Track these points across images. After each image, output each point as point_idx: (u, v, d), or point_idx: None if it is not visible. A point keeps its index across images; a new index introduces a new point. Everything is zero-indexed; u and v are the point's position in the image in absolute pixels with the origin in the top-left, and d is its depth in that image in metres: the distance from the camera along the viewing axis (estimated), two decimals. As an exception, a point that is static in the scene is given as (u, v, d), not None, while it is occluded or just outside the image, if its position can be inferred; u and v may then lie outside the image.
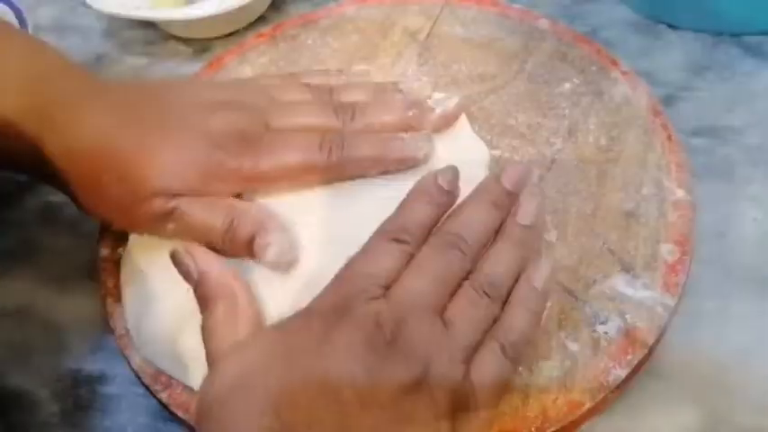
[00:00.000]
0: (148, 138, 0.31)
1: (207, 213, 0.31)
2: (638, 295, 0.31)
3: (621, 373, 0.29)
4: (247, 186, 0.32)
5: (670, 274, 0.32)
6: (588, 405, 0.28)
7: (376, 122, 0.34)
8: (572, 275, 0.32)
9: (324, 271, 0.28)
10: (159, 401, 0.31)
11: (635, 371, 0.29)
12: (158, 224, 0.31)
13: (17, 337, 0.37)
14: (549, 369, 0.29)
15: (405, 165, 0.34)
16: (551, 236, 0.34)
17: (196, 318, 0.31)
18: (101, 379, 0.35)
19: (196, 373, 0.30)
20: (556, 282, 0.32)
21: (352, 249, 0.29)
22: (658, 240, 0.33)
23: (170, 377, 0.31)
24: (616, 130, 0.37)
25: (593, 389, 0.29)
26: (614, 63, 0.40)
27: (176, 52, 0.50)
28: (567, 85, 0.40)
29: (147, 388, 0.31)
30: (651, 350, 0.30)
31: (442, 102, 0.36)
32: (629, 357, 0.29)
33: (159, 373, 0.31)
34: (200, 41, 0.50)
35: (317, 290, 0.28)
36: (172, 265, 0.29)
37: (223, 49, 0.47)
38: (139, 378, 0.32)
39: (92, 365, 0.35)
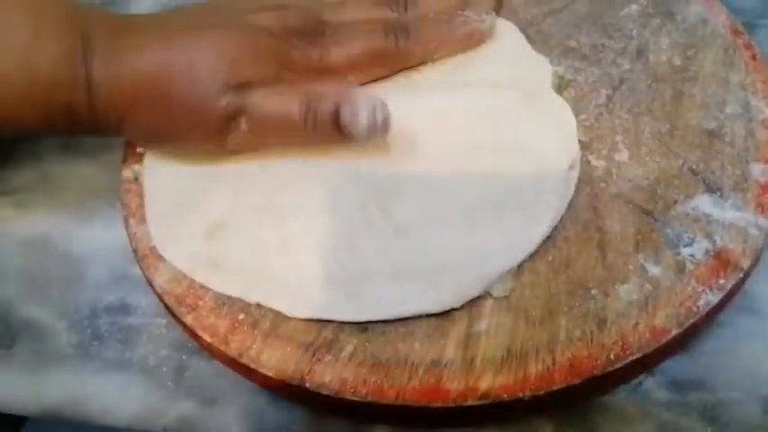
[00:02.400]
0: (207, 36, 0.29)
1: (281, 99, 0.28)
2: (728, 216, 0.27)
3: (713, 297, 0.25)
4: (317, 77, 0.30)
5: (764, 194, 0.28)
6: (675, 332, 0.25)
7: (428, 9, 0.32)
8: (648, 196, 0.28)
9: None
10: (184, 326, 0.28)
11: (728, 296, 0.26)
12: (231, 125, 0.28)
13: (34, 267, 0.34)
14: (628, 292, 0.26)
15: (471, 41, 0.33)
16: (623, 155, 0.30)
17: (227, 225, 0.29)
18: (121, 310, 0.32)
19: (224, 279, 0.28)
20: (630, 202, 0.28)
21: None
22: (747, 160, 0.29)
23: (196, 298, 0.28)
24: (692, 50, 0.34)
25: (680, 315, 0.25)
26: (685, -16, 0.37)
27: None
28: (634, 7, 0.36)
29: (172, 313, 0.28)
30: (746, 275, 0.26)
31: None
32: (720, 281, 0.26)
33: (184, 294, 0.28)
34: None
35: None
36: (197, 175, 0.28)
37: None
38: (163, 301, 0.29)
39: (112, 296, 0.32)
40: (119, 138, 0.32)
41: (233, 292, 0.27)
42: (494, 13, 0.33)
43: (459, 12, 0.32)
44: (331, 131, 0.28)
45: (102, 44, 0.28)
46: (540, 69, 0.33)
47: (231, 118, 0.28)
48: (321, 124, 0.28)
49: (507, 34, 0.35)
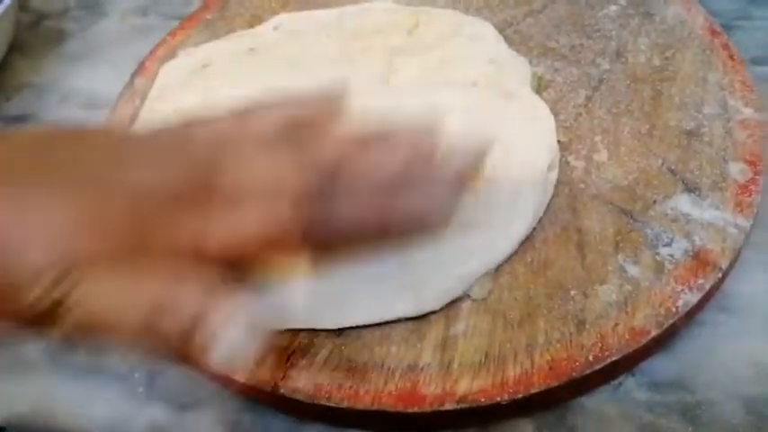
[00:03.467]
0: (28, 203, 0.21)
1: (117, 298, 0.20)
2: (706, 216, 0.27)
3: (692, 297, 0.25)
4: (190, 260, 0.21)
5: (742, 194, 0.28)
6: (654, 333, 0.24)
7: (368, 181, 0.22)
8: (627, 196, 0.28)
9: None
10: (156, 331, 0.27)
11: (707, 296, 0.25)
12: (47, 320, 0.20)
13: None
14: (607, 293, 0.25)
15: (409, 233, 0.22)
16: (602, 156, 0.30)
17: None
18: (92, 315, 0.31)
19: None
20: (609, 202, 0.28)
21: None
22: (726, 159, 0.29)
23: (169, 303, 0.27)
24: (671, 50, 0.34)
25: (660, 315, 0.25)
26: (664, -15, 0.37)
27: (185, -9, 0.47)
28: (613, 8, 0.36)
29: (143, 317, 0.28)
30: (725, 275, 0.26)
31: (461, 150, 0.23)
32: (699, 281, 0.25)
33: (157, 299, 0.27)
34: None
35: None
36: None
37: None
38: (134, 306, 0.28)
39: (83, 301, 0.31)
40: None
41: None
42: (454, 200, 0.22)
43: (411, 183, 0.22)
44: (176, 352, 0.21)
45: None
46: (520, 70, 0.33)
47: (47, 312, 0.20)
48: (164, 344, 0.21)
49: (486, 35, 0.35)
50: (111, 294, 0.20)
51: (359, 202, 0.22)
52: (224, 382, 0.26)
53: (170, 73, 0.36)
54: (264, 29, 0.38)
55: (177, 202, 0.21)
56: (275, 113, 0.24)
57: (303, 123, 0.24)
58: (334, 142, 0.23)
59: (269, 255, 0.22)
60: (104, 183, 0.21)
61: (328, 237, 0.22)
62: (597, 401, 0.26)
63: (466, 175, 0.23)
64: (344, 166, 0.22)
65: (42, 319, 0.20)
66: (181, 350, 0.21)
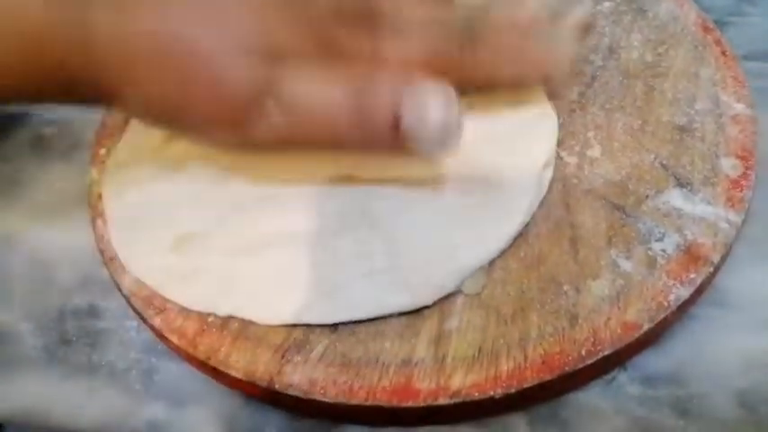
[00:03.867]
0: (217, 3, 0.22)
1: (322, 81, 0.22)
2: (698, 210, 0.27)
3: (684, 292, 0.25)
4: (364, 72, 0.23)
5: (734, 189, 0.28)
6: (646, 327, 0.24)
7: (507, 21, 0.26)
8: (620, 191, 0.28)
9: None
10: (152, 329, 0.27)
11: (698, 291, 0.26)
12: (257, 109, 0.22)
13: (1, 270, 0.33)
14: (599, 288, 0.26)
15: (543, 71, 0.26)
16: (595, 151, 0.30)
17: (192, 236, 0.28)
18: (90, 313, 0.31)
19: (193, 293, 0.27)
20: (602, 198, 0.28)
21: None
22: (717, 155, 0.29)
23: (164, 300, 0.27)
24: (663, 46, 0.34)
25: (652, 310, 0.25)
26: (657, -18, 0.37)
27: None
28: (606, 4, 0.36)
29: (140, 315, 0.28)
30: (716, 269, 0.26)
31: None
32: (691, 275, 0.26)
33: (151, 297, 0.28)
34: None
35: None
36: (159, 179, 0.25)
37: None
38: (131, 304, 0.28)
39: (80, 299, 0.31)
40: (122, 112, 0.27)
41: (201, 306, 0.27)
42: (575, 48, 0.27)
43: (546, 29, 0.26)
44: (385, 136, 0.21)
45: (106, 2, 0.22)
46: None
47: (257, 95, 0.22)
48: (373, 125, 0.21)
49: None
50: (314, 76, 0.22)
51: (507, 35, 0.25)
52: (220, 378, 0.26)
53: None
54: None
55: (354, 19, 0.23)
56: None
57: None
58: None
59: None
60: None
61: (479, 61, 0.25)
62: (590, 396, 0.26)
63: (583, 24, 0.27)
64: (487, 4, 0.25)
65: (253, 105, 0.22)
66: (389, 137, 0.21)
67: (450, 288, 0.26)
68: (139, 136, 0.32)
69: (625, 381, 0.26)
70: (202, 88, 0.22)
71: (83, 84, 0.23)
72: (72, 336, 0.30)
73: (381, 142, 0.22)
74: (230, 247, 0.27)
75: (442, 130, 0.21)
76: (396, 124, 0.21)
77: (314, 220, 0.27)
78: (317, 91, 0.22)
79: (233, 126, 0.23)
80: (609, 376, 0.26)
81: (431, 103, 0.21)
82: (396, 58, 0.23)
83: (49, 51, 0.22)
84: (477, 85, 0.26)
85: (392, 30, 0.24)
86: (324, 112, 0.22)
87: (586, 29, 0.28)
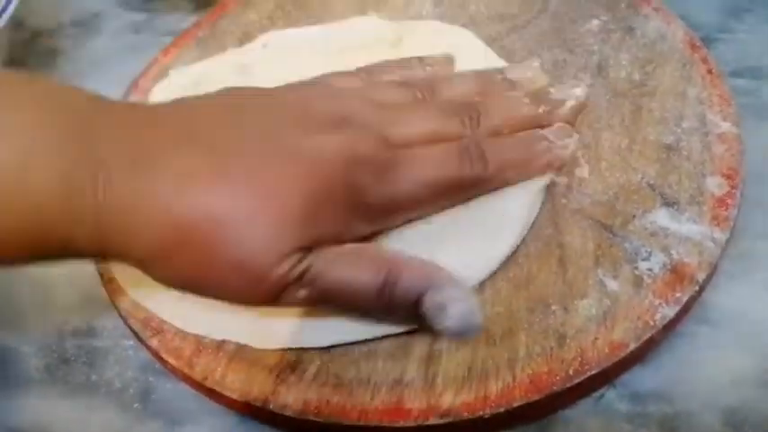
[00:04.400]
0: (272, 173, 0.22)
1: (351, 269, 0.23)
2: (684, 230, 0.28)
3: (669, 311, 0.26)
4: (383, 222, 0.26)
5: (719, 207, 0.28)
6: (633, 347, 0.25)
7: (503, 124, 0.29)
8: (608, 211, 0.29)
9: None
10: (149, 349, 0.28)
11: (684, 310, 0.26)
12: (287, 295, 0.23)
13: (0, 290, 0.34)
14: (587, 308, 0.26)
15: (551, 168, 0.29)
16: (583, 171, 0.30)
17: None
18: (88, 332, 0.32)
19: (190, 316, 0.27)
20: (590, 217, 0.29)
21: None
22: (704, 174, 0.30)
23: (161, 322, 0.28)
24: (651, 65, 0.34)
25: (638, 329, 0.25)
26: (645, 0, 0.38)
27: (177, 7, 0.48)
28: (595, 23, 0.37)
29: (137, 336, 0.28)
30: (702, 288, 0.27)
31: (564, 91, 0.30)
32: (677, 294, 0.26)
33: (149, 318, 0.28)
34: (203, -5, 0.48)
35: None
36: None
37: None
38: (128, 325, 0.29)
39: (79, 318, 0.32)
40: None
41: (197, 330, 0.27)
42: (576, 136, 0.29)
43: (540, 132, 0.29)
44: (408, 316, 0.23)
45: (120, 166, 0.21)
46: None
47: (289, 287, 0.23)
48: (398, 304, 0.23)
49: (472, 46, 0.36)
50: (346, 264, 0.23)
51: (511, 145, 0.28)
52: (216, 398, 0.27)
53: (162, 94, 0.36)
54: (254, 46, 0.39)
55: (375, 169, 0.24)
56: (395, 70, 0.32)
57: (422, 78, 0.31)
58: (463, 87, 0.30)
59: (444, 203, 0.27)
60: (318, 156, 0.23)
61: (490, 176, 0.27)
62: (579, 414, 0.26)
63: (577, 110, 0.30)
64: (482, 110, 0.28)
65: (283, 290, 0.23)
66: (412, 317, 0.23)
67: (440, 309, 0.26)
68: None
69: (613, 398, 0.27)
70: (231, 281, 0.22)
71: (90, 254, 0.23)
72: (71, 355, 0.31)
73: (401, 319, 0.24)
74: None
75: (459, 325, 0.22)
76: (416, 307, 0.22)
77: None
78: (347, 278, 0.23)
79: (259, 304, 0.24)
80: (597, 394, 0.27)
81: (447, 300, 0.22)
82: (410, 197, 0.26)
83: (51, 231, 0.21)
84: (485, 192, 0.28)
85: (405, 170, 0.25)
86: (352, 295, 0.23)
87: (581, 110, 0.30)
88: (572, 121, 0.30)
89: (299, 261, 0.22)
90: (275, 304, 0.23)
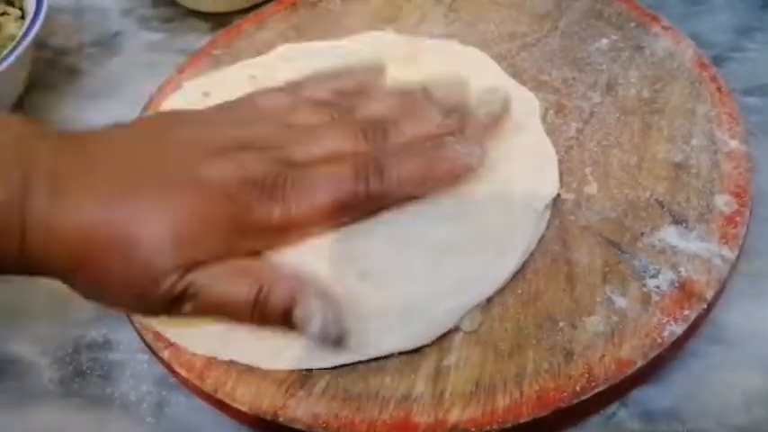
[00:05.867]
0: (145, 204, 0.25)
1: (227, 286, 0.25)
2: (692, 247, 0.28)
3: (677, 329, 0.26)
4: (277, 239, 0.28)
5: (728, 225, 0.28)
6: (640, 364, 0.25)
7: (411, 138, 0.29)
8: (616, 228, 0.29)
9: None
10: (161, 361, 0.28)
11: (692, 327, 0.26)
12: (176, 308, 0.26)
13: (18, 302, 0.34)
14: (594, 325, 0.26)
15: (456, 178, 0.29)
16: (592, 188, 0.31)
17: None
18: (104, 345, 0.32)
19: (197, 335, 0.28)
20: (599, 234, 0.29)
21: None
22: (713, 192, 0.30)
23: (174, 335, 0.28)
24: (660, 83, 0.35)
25: (645, 346, 0.25)
26: (655, 19, 0.38)
27: (194, 28, 0.49)
28: (605, 41, 0.37)
29: (150, 348, 0.29)
30: (710, 306, 0.27)
31: (486, 100, 0.31)
32: (685, 312, 0.26)
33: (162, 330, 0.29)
34: (219, 16, 0.49)
35: None
36: None
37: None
38: (141, 337, 0.29)
39: (95, 332, 0.33)
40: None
41: (205, 351, 0.28)
42: (484, 145, 0.29)
43: (445, 139, 0.29)
44: (280, 324, 0.26)
45: (43, 188, 0.25)
46: (527, 102, 0.34)
47: (173, 301, 0.25)
48: (269, 317, 0.25)
49: (489, 69, 0.36)
50: (224, 280, 0.25)
51: (410, 157, 0.28)
52: (226, 410, 0.27)
53: (173, 104, 0.37)
54: (266, 58, 0.40)
55: (261, 189, 0.26)
56: (325, 84, 0.32)
57: (350, 91, 0.32)
58: (380, 105, 0.31)
59: (342, 219, 0.28)
60: (200, 185, 0.26)
61: (387, 191, 0.28)
62: (589, 431, 0.26)
63: (491, 120, 0.30)
64: (392, 126, 0.29)
65: (171, 304, 0.25)
66: (285, 324, 0.25)
67: (448, 326, 0.27)
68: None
69: (625, 417, 0.27)
70: (125, 295, 0.26)
71: (13, 266, 0.26)
72: (86, 368, 0.31)
73: (275, 326, 0.26)
74: None
75: (321, 338, 0.25)
76: (287, 317, 0.25)
77: (307, 265, 0.28)
78: (225, 291, 0.25)
79: (154, 314, 0.27)
80: (609, 412, 0.27)
81: (312, 312, 0.25)
82: (303, 215, 0.27)
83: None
84: (390, 206, 0.29)
85: (297, 189, 0.27)
86: (230, 307, 0.26)
87: (498, 118, 0.31)
88: (490, 127, 0.31)
89: (180, 278, 0.25)
90: (170, 316, 0.26)
